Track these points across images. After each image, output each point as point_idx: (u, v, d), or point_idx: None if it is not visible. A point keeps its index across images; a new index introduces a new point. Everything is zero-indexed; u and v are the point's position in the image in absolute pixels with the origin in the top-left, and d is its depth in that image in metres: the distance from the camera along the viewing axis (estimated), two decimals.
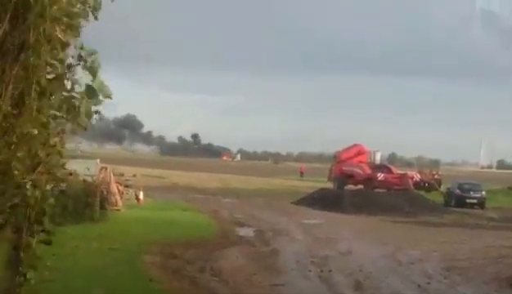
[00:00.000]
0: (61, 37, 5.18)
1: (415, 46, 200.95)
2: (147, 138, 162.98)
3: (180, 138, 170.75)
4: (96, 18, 5.29)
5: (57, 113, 5.29)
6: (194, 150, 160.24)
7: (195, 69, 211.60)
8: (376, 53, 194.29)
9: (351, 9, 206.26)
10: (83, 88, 5.40)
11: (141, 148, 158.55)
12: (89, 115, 5.46)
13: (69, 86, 5.36)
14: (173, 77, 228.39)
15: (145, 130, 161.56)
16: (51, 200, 5.51)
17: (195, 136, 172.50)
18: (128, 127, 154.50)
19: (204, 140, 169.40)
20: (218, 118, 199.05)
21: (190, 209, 30.80)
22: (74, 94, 5.39)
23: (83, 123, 5.43)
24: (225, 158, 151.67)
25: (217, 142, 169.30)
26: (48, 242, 5.69)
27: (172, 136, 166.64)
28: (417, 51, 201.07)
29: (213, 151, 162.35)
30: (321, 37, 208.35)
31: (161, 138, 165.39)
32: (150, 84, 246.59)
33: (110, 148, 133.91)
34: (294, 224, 26.20)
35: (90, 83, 5.33)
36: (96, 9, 5.34)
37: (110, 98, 5.49)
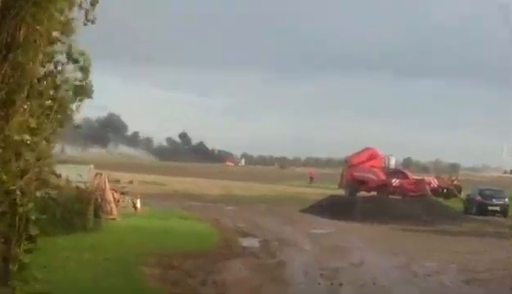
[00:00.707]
0: (54, 34, 5.25)
1: (428, 45, 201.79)
2: (133, 140, 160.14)
3: (169, 139, 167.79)
4: (93, 21, 5.39)
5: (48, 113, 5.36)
6: (184, 151, 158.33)
7: (194, 69, 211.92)
8: (388, 52, 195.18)
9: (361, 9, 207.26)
10: (69, 87, 5.48)
11: (127, 151, 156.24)
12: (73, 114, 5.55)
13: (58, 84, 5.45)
14: (170, 76, 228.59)
15: (130, 131, 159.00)
16: (31, 205, 5.56)
17: (183, 136, 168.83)
18: (111, 128, 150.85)
19: (195, 140, 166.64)
20: (219, 121, 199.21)
21: (190, 218, 30.83)
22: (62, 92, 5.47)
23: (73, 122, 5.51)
24: (228, 163, 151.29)
25: (219, 146, 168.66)
26: (30, 251, 5.75)
27: (160, 138, 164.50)
28: (430, 51, 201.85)
29: (205, 152, 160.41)
30: (329, 38, 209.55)
31: (148, 140, 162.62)
32: (144, 83, 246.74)
33: (95, 151, 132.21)
34: (302, 234, 26.21)
35: (79, 83, 5.41)
36: (93, 4, 5.42)
37: (91, 97, 5.59)
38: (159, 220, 27.93)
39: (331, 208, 37.29)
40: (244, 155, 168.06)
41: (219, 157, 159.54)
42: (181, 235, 23.02)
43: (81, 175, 22.97)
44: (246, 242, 23.21)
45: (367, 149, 48.87)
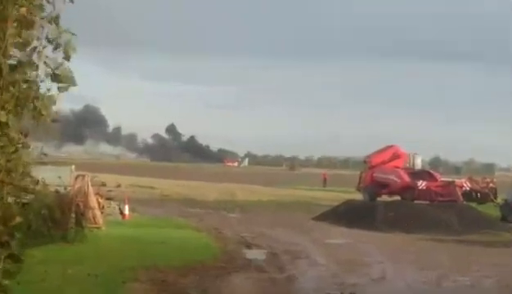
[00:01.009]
0: (25, 15, 5.18)
1: (460, 32, 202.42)
2: (115, 137, 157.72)
3: (155, 136, 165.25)
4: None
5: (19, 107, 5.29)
6: (174, 148, 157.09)
7: (184, 55, 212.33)
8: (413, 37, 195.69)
9: None
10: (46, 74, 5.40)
11: (107, 149, 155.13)
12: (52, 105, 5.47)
13: (33, 73, 5.37)
14: (158, 64, 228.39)
15: (111, 126, 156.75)
16: (18, 219, 5.48)
17: (171, 129, 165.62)
18: (88, 123, 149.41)
19: (186, 135, 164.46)
20: (217, 115, 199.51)
21: (186, 226, 30.86)
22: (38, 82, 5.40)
23: (50, 116, 5.43)
24: (229, 163, 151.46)
25: (218, 144, 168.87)
26: (15, 274, 5.66)
27: (145, 134, 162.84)
28: (468, 37, 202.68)
29: (200, 149, 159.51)
30: (349, 24, 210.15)
31: (132, 136, 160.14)
32: (129, 73, 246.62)
33: (73, 150, 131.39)
34: (315, 245, 26.20)
35: (56, 71, 5.34)
36: None
37: (74, 85, 5.52)
38: (151, 229, 27.91)
39: (348, 215, 37.26)
40: (247, 154, 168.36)
41: (219, 156, 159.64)
42: (176, 246, 23.00)
43: (60, 178, 22.92)
44: (251, 254, 23.20)
45: (390, 147, 48.72)
